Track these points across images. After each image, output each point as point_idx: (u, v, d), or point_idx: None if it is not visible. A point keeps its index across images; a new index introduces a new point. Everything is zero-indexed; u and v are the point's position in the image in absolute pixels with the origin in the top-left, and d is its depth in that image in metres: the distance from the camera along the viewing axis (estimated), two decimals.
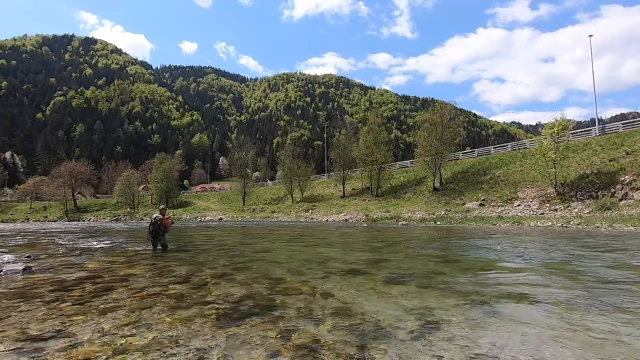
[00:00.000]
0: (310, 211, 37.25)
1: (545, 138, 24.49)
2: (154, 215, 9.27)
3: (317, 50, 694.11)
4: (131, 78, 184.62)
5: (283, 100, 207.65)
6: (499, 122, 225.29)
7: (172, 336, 2.95)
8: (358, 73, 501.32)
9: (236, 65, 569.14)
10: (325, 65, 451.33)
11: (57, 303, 4.04)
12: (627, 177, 20.98)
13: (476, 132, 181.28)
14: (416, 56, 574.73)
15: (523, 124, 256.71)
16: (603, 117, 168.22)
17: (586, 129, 32.49)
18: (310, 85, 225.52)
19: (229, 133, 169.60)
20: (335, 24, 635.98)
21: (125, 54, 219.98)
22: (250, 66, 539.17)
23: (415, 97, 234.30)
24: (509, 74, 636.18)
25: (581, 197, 21.87)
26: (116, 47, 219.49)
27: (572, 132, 26.98)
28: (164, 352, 2.63)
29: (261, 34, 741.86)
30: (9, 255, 7.97)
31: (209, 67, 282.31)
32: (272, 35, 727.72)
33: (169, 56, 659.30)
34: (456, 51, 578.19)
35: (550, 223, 17.27)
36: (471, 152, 42.01)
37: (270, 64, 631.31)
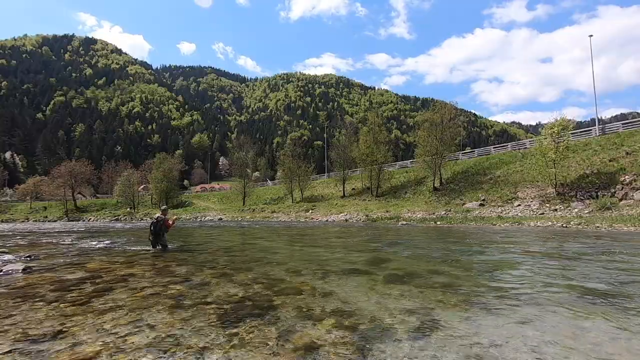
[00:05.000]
0: (310, 211, 37.24)
1: (545, 138, 24.45)
2: (156, 215, 9.27)
3: (315, 50, 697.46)
4: (131, 78, 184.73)
5: (283, 100, 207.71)
6: (499, 122, 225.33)
7: (172, 336, 2.96)
8: (356, 73, 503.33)
9: (234, 65, 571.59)
10: (323, 65, 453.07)
11: (57, 303, 4.04)
12: (627, 177, 20.97)
13: (476, 132, 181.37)
14: (414, 57, 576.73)
15: (523, 124, 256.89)
16: (602, 117, 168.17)
17: (586, 129, 32.48)
18: (310, 85, 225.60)
19: (229, 133, 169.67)
20: (332, 25, 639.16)
21: (125, 54, 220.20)
22: (249, 66, 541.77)
23: (415, 97, 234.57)
24: (507, 75, 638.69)
25: (581, 197, 21.86)
26: (116, 47, 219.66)
27: (572, 132, 26.97)
28: (164, 352, 2.63)
29: (259, 34, 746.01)
30: (9, 255, 7.97)
31: (209, 67, 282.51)
32: (270, 36, 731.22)
33: (168, 57, 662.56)
34: (454, 51, 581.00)
35: (550, 223, 17.26)
36: (471, 152, 42.00)
37: (268, 64, 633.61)
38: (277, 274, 5.88)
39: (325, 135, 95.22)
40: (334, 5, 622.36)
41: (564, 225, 16.43)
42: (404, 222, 23.34)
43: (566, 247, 9.14)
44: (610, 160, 23.41)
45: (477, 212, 24.47)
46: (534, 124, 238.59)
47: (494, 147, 40.48)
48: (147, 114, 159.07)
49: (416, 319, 3.39)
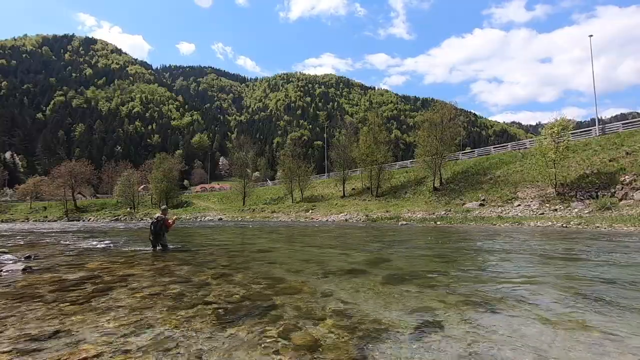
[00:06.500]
0: (310, 211, 37.24)
1: (545, 138, 24.47)
2: (156, 215, 9.28)
3: (314, 51, 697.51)
4: (131, 78, 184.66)
5: (283, 100, 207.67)
6: (498, 122, 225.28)
7: (172, 336, 2.95)
8: (356, 73, 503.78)
9: (234, 65, 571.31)
10: (322, 65, 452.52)
11: (57, 303, 4.03)
12: (627, 177, 20.97)
13: (476, 132, 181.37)
14: (414, 57, 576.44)
15: (523, 124, 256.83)
16: (602, 117, 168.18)
17: (586, 129, 32.49)
18: (310, 85, 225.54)
19: (229, 133, 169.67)
20: (331, 25, 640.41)
21: (125, 54, 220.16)
22: (248, 67, 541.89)
23: (415, 97, 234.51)
24: (506, 75, 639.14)
25: (581, 197, 21.86)
26: (116, 47, 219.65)
27: (572, 132, 26.97)
28: (164, 352, 2.63)
29: (258, 34, 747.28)
30: (9, 255, 7.97)
31: (209, 67, 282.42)
32: (269, 36, 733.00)
33: (167, 57, 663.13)
34: (453, 52, 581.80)
35: (550, 223, 17.26)
36: (471, 152, 42.03)
37: (267, 64, 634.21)
38: (277, 273, 5.88)
39: (325, 135, 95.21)
40: (333, 5, 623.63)
41: (564, 225, 16.43)
42: (404, 222, 23.34)
43: (565, 248, 9.14)
44: (610, 160, 23.41)
45: (477, 212, 24.47)
46: (533, 124, 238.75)
47: (494, 147, 40.49)
48: (147, 114, 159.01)
49: (416, 319, 3.38)
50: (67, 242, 12.60)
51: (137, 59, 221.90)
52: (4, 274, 5.93)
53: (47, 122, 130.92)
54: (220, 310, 3.70)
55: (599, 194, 21.20)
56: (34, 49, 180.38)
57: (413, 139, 45.81)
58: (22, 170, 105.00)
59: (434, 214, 26.30)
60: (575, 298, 4.09)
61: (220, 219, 40.44)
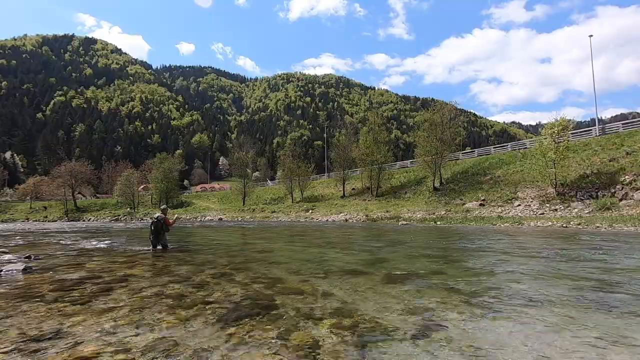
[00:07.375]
0: (310, 211, 37.24)
1: (545, 138, 24.47)
2: (156, 215, 9.28)
3: (314, 51, 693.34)
4: (131, 78, 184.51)
5: (283, 100, 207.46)
6: (498, 122, 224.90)
7: (172, 336, 2.96)
8: (355, 73, 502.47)
9: (234, 66, 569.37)
10: (322, 65, 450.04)
11: (57, 303, 4.04)
12: (627, 177, 20.97)
13: (476, 132, 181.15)
14: (413, 57, 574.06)
15: (523, 124, 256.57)
16: (602, 117, 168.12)
17: (586, 129, 32.47)
18: (310, 85, 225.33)
19: (229, 133, 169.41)
20: (331, 26, 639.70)
21: (125, 53, 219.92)
22: (248, 67, 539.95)
23: (415, 97, 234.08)
24: (506, 75, 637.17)
25: (581, 197, 21.86)
26: (116, 47, 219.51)
27: (572, 132, 26.95)
28: (164, 352, 2.63)
29: (258, 35, 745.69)
30: (9, 255, 7.97)
31: (209, 67, 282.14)
32: (269, 37, 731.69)
33: (167, 57, 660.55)
34: (453, 52, 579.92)
35: (550, 223, 17.26)
36: (471, 152, 42.01)
37: (267, 64, 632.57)
38: (277, 273, 5.88)
39: (325, 135, 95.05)
40: (332, 6, 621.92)
41: (564, 225, 16.44)
42: (404, 222, 23.34)
43: (565, 249, 9.14)
44: (610, 160, 23.41)
45: (477, 212, 24.47)
46: (533, 124, 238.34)
47: (494, 147, 40.46)
48: (147, 114, 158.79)
49: (416, 319, 3.39)
50: (67, 242, 12.60)
51: (137, 59, 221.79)
52: (4, 274, 5.94)
53: (47, 122, 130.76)
54: (220, 310, 3.71)
55: (599, 194, 21.20)
56: (34, 49, 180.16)
57: (413, 139, 45.75)
58: (22, 170, 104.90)
59: (434, 214, 26.30)
60: (575, 298, 4.09)
61: (220, 218, 40.44)
